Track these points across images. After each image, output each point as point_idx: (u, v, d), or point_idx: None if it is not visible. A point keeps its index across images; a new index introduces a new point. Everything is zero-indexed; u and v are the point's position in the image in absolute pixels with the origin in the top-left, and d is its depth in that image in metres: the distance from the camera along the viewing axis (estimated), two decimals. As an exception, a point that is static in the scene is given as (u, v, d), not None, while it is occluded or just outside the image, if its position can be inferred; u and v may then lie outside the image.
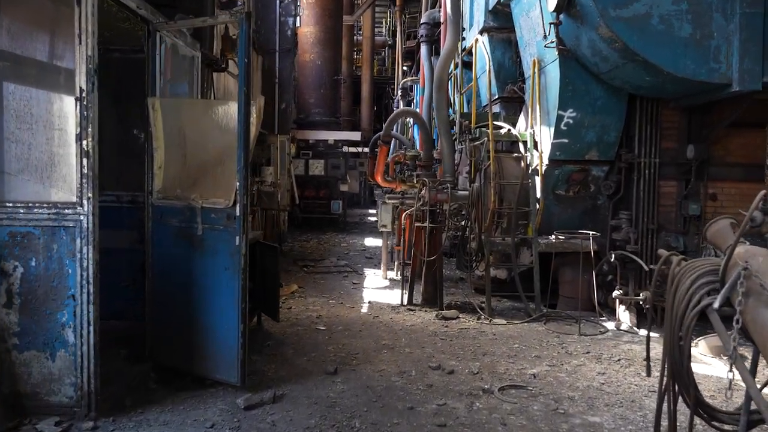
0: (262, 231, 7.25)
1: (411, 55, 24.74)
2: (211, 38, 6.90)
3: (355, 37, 32.09)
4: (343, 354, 5.72)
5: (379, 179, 9.36)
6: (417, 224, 7.79)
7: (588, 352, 5.95)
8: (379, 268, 10.66)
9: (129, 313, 5.85)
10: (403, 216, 8.09)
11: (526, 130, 8.00)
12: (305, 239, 15.30)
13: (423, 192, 7.73)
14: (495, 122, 7.95)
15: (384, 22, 36.92)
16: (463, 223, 8.45)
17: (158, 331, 5.02)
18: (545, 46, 7.01)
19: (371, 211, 26.21)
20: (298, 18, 14.38)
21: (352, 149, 23.34)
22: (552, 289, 7.71)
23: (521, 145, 7.75)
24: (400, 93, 22.70)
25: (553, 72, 7.20)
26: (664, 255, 3.29)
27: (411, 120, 20.54)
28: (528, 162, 7.64)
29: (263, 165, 10.84)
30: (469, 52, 11.30)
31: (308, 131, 17.60)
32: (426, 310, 7.59)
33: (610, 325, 6.97)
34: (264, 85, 14.18)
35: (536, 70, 7.55)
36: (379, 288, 9.15)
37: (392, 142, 17.06)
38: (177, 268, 4.82)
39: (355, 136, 18.99)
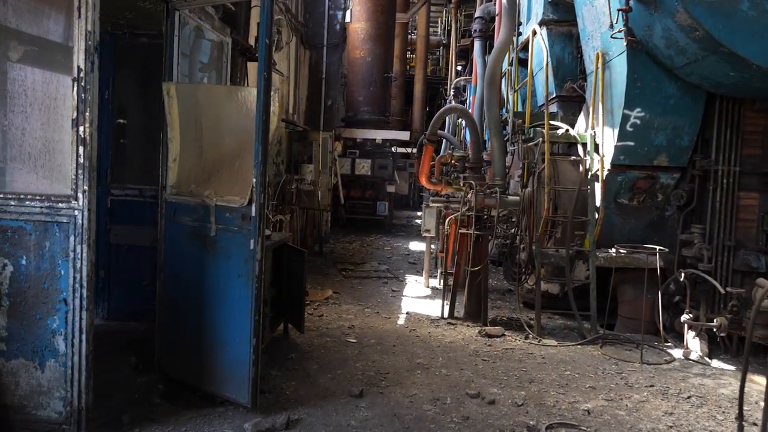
0: (291, 233, 6.78)
1: (465, 54, 24.02)
2: (247, 23, 6.45)
3: (409, 36, 31.59)
4: (371, 373, 5.16)
5: (423, 181, 8.76)
6: (462, 230, 7.16)
7: (652, 386, 5.18)
8: (422, 275, 10.05)
9: (149, 315, 5.44)
10: (448, 221, 7.46)
11: (585, 131, 7.24)
12: (348, 240, 14.82)
13: (469, 196, 7.09)
14: (551, 122, 7.23)
15: (439, 21, 36.27)
16: (512, 230, 7.75)
17: (167, 340, 4.58)
18: (612, 37, 6.26)
19: (419, 213, 25.58)
20: (348, 12, 13.93)
21: (402, 150, 22.80)
22: (609, 308, 6.94)
23: (580, 148, 7.00)
24: (452, 93, 22.04)
25: (620, 66, 6.44)
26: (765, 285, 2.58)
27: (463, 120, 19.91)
28: (587, 166, 6.89)
29: (304, 162, 10.41)
30: (525, 48, 10.57)
31: (355, 130, 17.12)
32: (468, 325, 6.95)
33: (677, 353, 6.15)
34: (310, 80, 13.79)
35: (600, 64, 6.80)
36: (420, 297, 8.54)
37: (442, 142, 16.44)
38: (189, 271, 4.36)
39: (404, 135, 18.40)
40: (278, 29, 7.15)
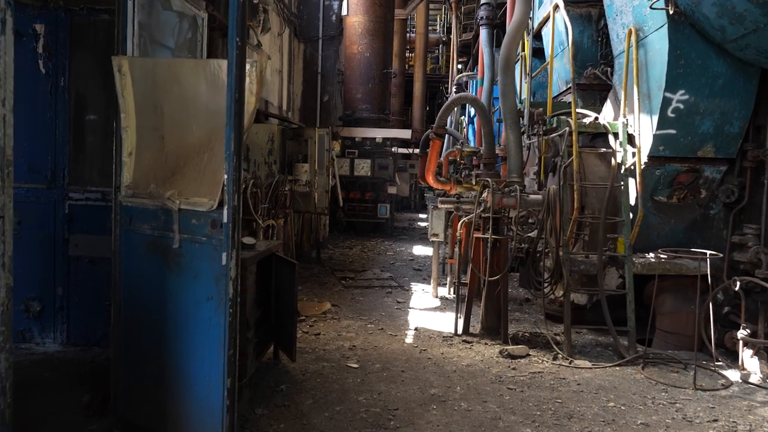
0: (280, 241, 5.87)
1: (467, 50, 23.18)
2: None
3: (408, 34, 30.78)
4: (377, 409, 4.28)
5: (430, 179, 7.88)
6: (476, 235, 6.29)
7: (715, 420, 4.30)
8: (429, 283, 9.17)
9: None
10: (459, 224, 6.58)
11: (614, 120, 6.38)
12: (347, 245, 13.94)
13: (485, 195, 6.22)
14: (578, 110, 6.36)
15: (438, 18, 35.47)
16: (531, 233, 6.87)
17: (125, 376, 3.70)
18: (651, 8, 5.40)
19: (421, 215, 24.72)
20: (344, 4, 13.06)
21: (403, 150, 21.95)
22: (643, 318, 6.07)
23: (611, 138, 6.12)
24: (455, 89, 21.23)
25: (659, 42, 5.57)
26: None
27: (464, 115, 19.04)
28: (620, 159, 6.02)
29: (299, 162, 9.55)
30: (537, 36, 9.74)
31: (354, 128, 16.25)
32: (486, 343, 6.07)
33: (733, 375, 5.27)
34: (305, 75, 12.93)
35: (633, 42, 5.93)
36: (429, 309, 7.66)
37: (445, 138, 15.58)
38: (149, 292, 3.49)
39: (405, 134, 17.55)
40: (264, 7, 6.28)
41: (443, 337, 6.30)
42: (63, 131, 5.10)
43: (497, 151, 7.68)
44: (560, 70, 8.97)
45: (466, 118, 19.18)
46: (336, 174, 14.77)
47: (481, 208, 6.31)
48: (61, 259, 5.11)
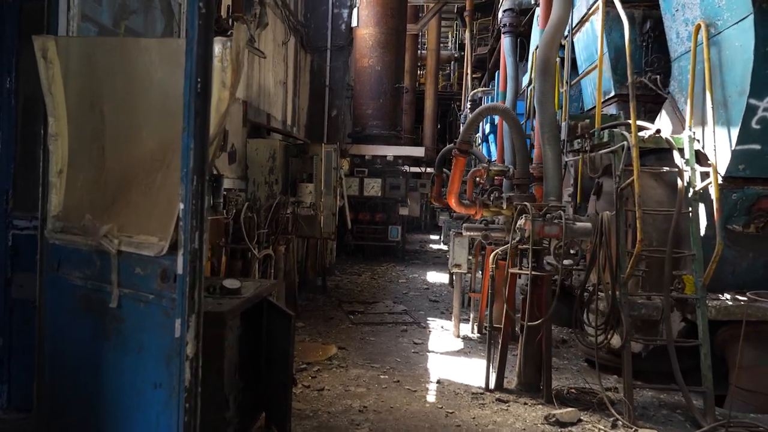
0: (275, 281, 4.78)
1: (481, 65, 22.32)
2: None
3: (419, 51, 30.03)
4: None
5: (452, 202, 6.86)
6: (512, 270, 5.24)
7: None
8: (448, 319, 8.12)
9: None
10: (492, 257, 5.53)
11: (673, 134, 5.36)
12: (356, 271, 12.91)
13: (522, 223, 5.19)
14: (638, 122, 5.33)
15: (450, 35, 34.76)
16: (573, 265, 5.81)
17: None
18: (733, -6, 4.40)
19: (433, 237, 23.68)
20: (354, 11, 12.19)
21: (414, 169, 21.00)
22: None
23: (677, 156, 5.08)
24: (469, 105, 20.26)
25: (740, 38, 4.57)
26: None
27: (480, 132, 18.05)
28: (688, 180, 4.98)
29: (303, 181, 8.57)
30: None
31: (364, 146, 15.30)
32: (526, 403, 4.99)
33: None
34: (312, 88, 12.02)
35: (704, 39, 4.92)
36: (451, 353, 6.59)
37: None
38: (80, 365, 2.48)
39: (418, 151, 16.60)
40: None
41: (472, 393, 5.22)
42: (8, 143, 4.12)
43: (530, 170, 6.65)
44: (595, 81, 7.99)
45: (481, 135, 18.22)
46: (344, 194, 13.83)
47: (517, 238, 5.27)
48: (2, 303, 4.10)
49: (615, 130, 5.30)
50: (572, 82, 7.15)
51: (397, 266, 14.11)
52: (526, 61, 12.41)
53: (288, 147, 8.95)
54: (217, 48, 2.18)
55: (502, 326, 5.27)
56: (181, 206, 2.06)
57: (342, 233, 14.71)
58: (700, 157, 5.12)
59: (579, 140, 6.05)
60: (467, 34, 22.04)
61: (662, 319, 4.82)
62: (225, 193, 4.95)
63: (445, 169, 13.25)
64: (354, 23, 13.19)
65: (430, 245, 20.40)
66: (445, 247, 18.04)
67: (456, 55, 32.26)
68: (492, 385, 5.28)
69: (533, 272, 5.03)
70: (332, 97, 11.89)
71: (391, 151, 15.48)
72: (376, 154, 15.44)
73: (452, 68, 34.20)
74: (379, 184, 15.40)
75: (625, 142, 4.98)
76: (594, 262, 5.07)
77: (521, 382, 5.24)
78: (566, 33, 7.52)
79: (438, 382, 5.53)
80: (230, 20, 5.03)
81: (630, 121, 5.14)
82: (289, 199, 7.77)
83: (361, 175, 15.37)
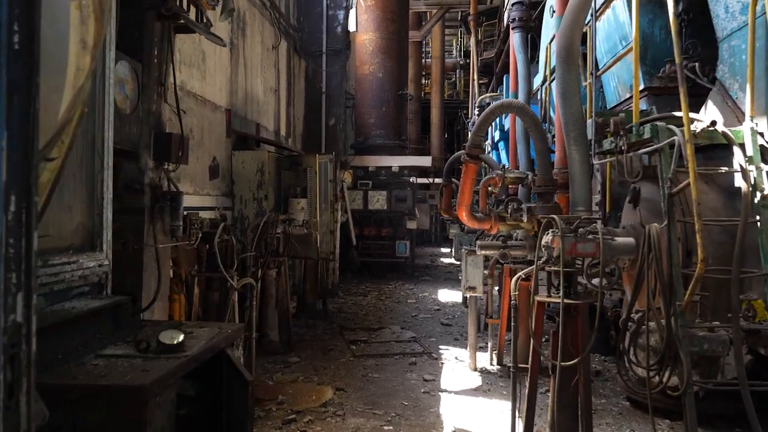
0: (241, 324, 3.71)
1: (488, 70, 21.45)
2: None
3: (423, 60, 29.30)
4: None
5: (463, 215, 5.95)
6: (539, 298, 4.31)
7: None
8: (463, 346, 7.20)
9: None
10: (513, 282, 4.59)
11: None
12: (361, 291, 11.99)
13: (549, 239, 4.26)
14: (674, 114, 4.43)
15: (454, 43, 34.03)
16: (614, 287, 4.88)
17: None
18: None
19: (443, 250, 22.78)
20: (351, 12, 11.38)
21: (422, 180, 20.14)
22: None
23: (737, 152, 4.15)
24: (477, 112, 19.41)
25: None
26: None
27: (489, 140, 17.14)
28: (753, 182, 4.04)
29: (296, 196, 7.70)
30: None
31: (368, 157, 14.47)
32: (562, 464, 4.05)
33: None
34: (308, 96, 11.19)
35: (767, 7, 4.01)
36: (468, 392, 5.65)
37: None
38: None
39: (425, 161, 15.72)
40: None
41: (495, 449, 4.29)
42: None
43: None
44: (621, 74, 7.09)
45: (490, 143, 17.32)
46: (348, 208, 12.98)
47: (543, 259, 4.35)
48: None
49: (659, 124, 4.38)
50: (598, 73, 6.23)
51: (405, 284, 13.20)
52: (537, 62, 11.55)
53: (279, 159, 8.10)
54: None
55: (528, 366, 4.33)
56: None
57: (346, 250, 13.87)
58: (765, 154, 4.20)
59: (611, 139, 5.12)
60: (472, 40, 21.26)
61: (737, 353, 3.86)
62: (185, 213, 4.09)
63: (454, 179, 12.38)
64: (351, 27, 12.39)
65: (441, 259, 19.49)
66: (456, 261, 17.11)
67: (461, 62, 31.52)
68: (519, 438, 4.34)
69: (567, 301, 4.10)
70: (329, 104, 11.04)
71: (396, 162, 14.64)
72: (381, 165, 14.61)
73: (458, 76, 33.44)
74: (385, 197, 14.54)
75: (675, 138, 4.05)
76: (640, 286, 4.13)
77: (555, 435, 4.29)
78: (588, 18, 6.64)
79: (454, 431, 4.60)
80: (193, 7, 4.19)
81: (677, 114, 4.23)
82: (278, 218, 6.89)
83: (365, 187, 14.53)
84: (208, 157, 6.61)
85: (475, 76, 20.48)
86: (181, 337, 2.61)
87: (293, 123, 10.50)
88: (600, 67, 7.24)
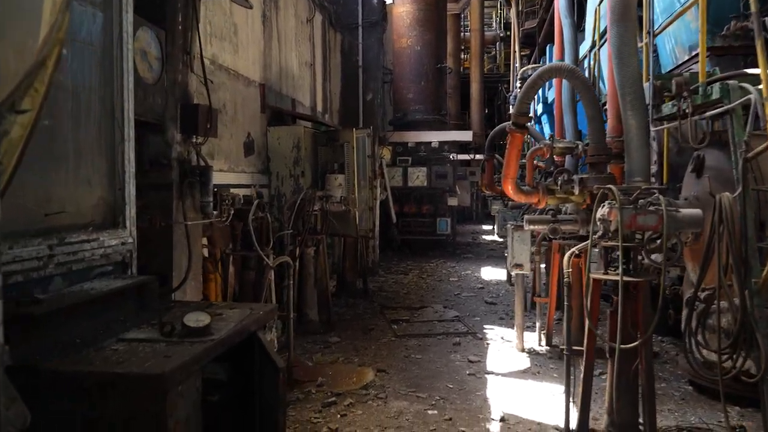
0: (275, 305, 3.49)
1: (530, 41, 20.75)
2: None
3: (462, 34, 28.54)
4: None
5: (509, 189, 5.60)
6: (594, 275, 3.98)
7: None
8: (508, 326, 6.93)
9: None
10: (566, 258, 4.26)
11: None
12: (402, 270, 11.77)
13: (605, 212, 3.91)
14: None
15: (494, 15, 33.05)
16: (676, 264, 4.50)
17: None
18: None
19: (485, 227, 22.38)
20: (388, -16, 11.01)
21: (462, 156, 19.67)
22: None
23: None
24: (518, 85, 18.78)
25: None
26: None
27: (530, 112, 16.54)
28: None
29: (334, 172, 7.46)
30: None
31: (406, 132, 14.13)
32: (622, 454, 3.74)
33: None
34: (344, 70, 10.90)
35: None
36: (515, 374, 5.37)
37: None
38: None
39: (465, 136, 15.31)
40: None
41: (547, 437, 4.02)
42: None
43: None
44: (678, 34, 6.58)
45: (533, 117, 16.76)
46: (387, 185, 12.71)
47: (599, 233, 4.00)
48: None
49: (730, 82, 3.95)
50: (656, 31, 5.75)
51: (447, 262, 12.91)
52: (582, 29, 10.97)
53: (316, 134, 7.86)
54: None
55: (584, 349, 4.01)
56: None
57: (386, 227, 13.64)
58: None
59: (672, 103, 4.70)
60: (513, 10, 20.56)
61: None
62: (215, 190, 3.89)
63: (496, 155, 11.96)
64: (389, 1, 12.01)
65: (483, 236, 19.12)
66: (499, 239, 16.71)
67: (501, 35, 30.62)
68: (574, 425, 4.04)
69: (626, 278, 3.75)
70: (366, 78, 10.74)
71: (435, 137, 14.26)
72: (420, 141, 14.26)
73: (498, 50, 32.55)
74: (425, 174, 14.21)
75: (750, 96, 3.63)
76: (709, 262, 3.75)
77: (613, 423, 3.97)
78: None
79: (502, 420, 4.32)
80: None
81: (750, 71, 3.79)
82: (315, 194, 6.68)
83: (405, 164, 14.22)
84: (242, 133, 6.42)
85: (517, 48, 19.81)
86: (208, 320, 2.41)
87: (330, 98, 10.25)
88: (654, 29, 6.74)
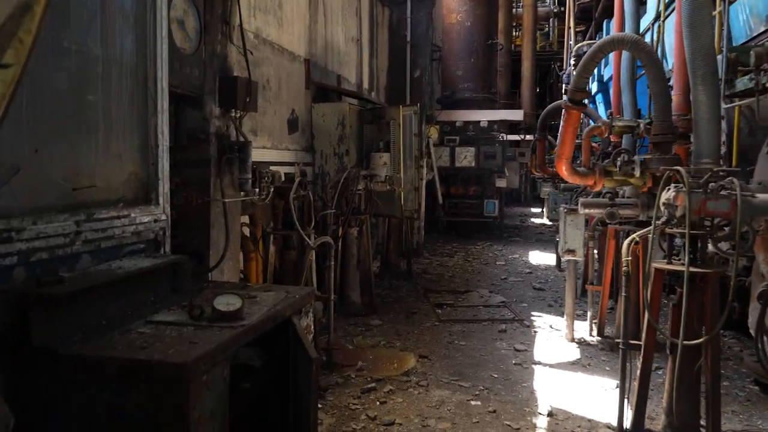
0: (311, 289, 3.29)
1: (586, 15, 19.87)
2: None
3: (514, 10, 27.67)
4: None
5: (563, 170, 5.27)
6: (656, 265, 3.68)
7: None
8: (557, 313, 6.65)
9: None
10: (626, 245, 3.96)
11: None
12: (447, 252, 11.54)
13: (671, 196, 3.59)
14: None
15: (548, -11, 31.92)
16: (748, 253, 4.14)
17: None
18: None
19: (534, 210, 21.86)
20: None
21: (512, 137, 19.12)
22: None
23: None
24: (572, 62, 18.08)
25: None
26: None
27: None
28: None
29: (380, 151, 7.27)
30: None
31: (455, 111, 13.78)
32: (682, 458, 3.47)
33: None
34: (391, 47, 10.63)
35: None
36: (565, 366, 5.11)
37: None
38: None
39: (516, 115, 14.87)
40: None
41: (600, 436, 3.77)
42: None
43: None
44: (755, 2, 6.05)
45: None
46: (434, 165, 12.45)
47: (663, 219, 3.68)
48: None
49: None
50: None
51: (494, 245, 12.61)
52: (645, 2, 10.36)
53: (361, 112, 7.67)
54: None
55: (642, 343, 3.73)
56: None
57: (432, 208, 13.40)
58: None
59: (749, 77, 4.29)
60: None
61: None
62: (254, 167, 3.74)
63: (549, 136, 11.50)
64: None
65: (532, 219, 18.66)
66: (549, 222, 16.25)
67: (555, 11, 29.56)
68: (628, 424, 3.78)
69: (693, 269, 3.44)
70: (414, 55, 10.45)
71: (485, 116, 13.86)
72: (468, 120, 13.88)
73: (551, 26, 31.46)
74: (473, 154, 13.85)
75: None
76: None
77: (672, 423, 3.69)
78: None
79: (550, 414, 4.09)
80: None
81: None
82: (359, 173, 6.51)
83: (452, 144, 13.89)
84: (286, 109, 6.28)
85: (572, 24, 19.00)
86: (239, 304, 2.27)
87: (376, 75, 10.02)
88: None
